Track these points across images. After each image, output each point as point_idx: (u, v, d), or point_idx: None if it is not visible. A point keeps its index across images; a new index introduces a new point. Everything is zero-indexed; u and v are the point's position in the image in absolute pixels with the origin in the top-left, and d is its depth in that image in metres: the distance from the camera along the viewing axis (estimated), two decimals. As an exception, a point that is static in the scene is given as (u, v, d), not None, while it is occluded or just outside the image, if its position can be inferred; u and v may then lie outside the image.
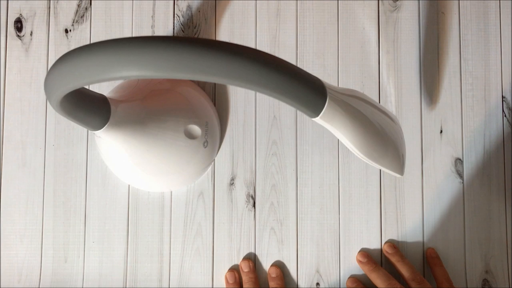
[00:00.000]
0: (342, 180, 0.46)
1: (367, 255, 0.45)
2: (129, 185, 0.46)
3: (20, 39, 0.47)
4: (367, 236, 0.45)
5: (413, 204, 0.46)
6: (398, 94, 0.47)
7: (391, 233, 0.45)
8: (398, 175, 0.35)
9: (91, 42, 0.43)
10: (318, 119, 0.27)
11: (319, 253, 0.45)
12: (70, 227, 0.45)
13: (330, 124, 0.28)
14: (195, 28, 0.47)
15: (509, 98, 0.47)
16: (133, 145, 0.39)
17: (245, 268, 0.44)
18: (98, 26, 0.47)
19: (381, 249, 0.45)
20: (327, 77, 0.47)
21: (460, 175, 0.46)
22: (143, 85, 0.43)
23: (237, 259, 0.45)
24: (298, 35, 0.47)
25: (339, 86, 0.47)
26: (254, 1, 0.47)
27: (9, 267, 0.45)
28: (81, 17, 0.47)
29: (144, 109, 0.39)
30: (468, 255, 0.46)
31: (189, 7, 0.47)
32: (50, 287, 0.45)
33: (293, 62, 0.46)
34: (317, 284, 0.45)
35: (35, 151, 0.46)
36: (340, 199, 0.46)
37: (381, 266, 0.44)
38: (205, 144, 0.43)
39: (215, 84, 0.47)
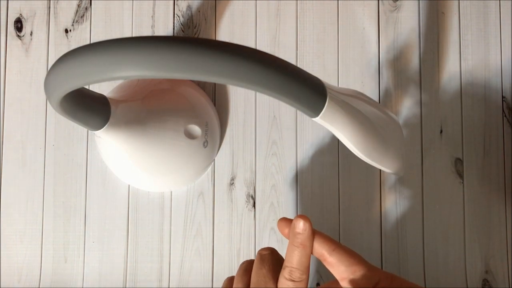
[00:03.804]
0: (342, 180, 0.46)
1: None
2: (129, 185, 0.46)
3: (20, 39, 0.47)
4: (367, 236, 0.45)
5: (413, 204, 0.46)
6: (398, 94, 0.47)
7: (391, 233, 0.45)
8: (398, 175, 0.35)
9: (91, 42, 0.43)
10: (318, 119, 0.27)
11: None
12: (70, 227, 0.45)
13: (330, 124, 0.28)
14: (195, 28, 0.47)
15: (509, 98, 0.47)
16: (133, 145, 0.39)
17: (299, 229, 0.31)
18: (98, 26, 0.47)
19: (381, 248, 0.45)
20: (327, 77, 0.47)
21: (460, 175, 0.46)
22: (143, 85, 0.43)
23: (237, 259, 0.45)
24: (298, 35, 0.47)
25: (339, 86, 0.47)
26: (254, 1, 0.47)
27: (9, 267, 0.45)
28: (81, 17, 0.47)
29: (144, 109, 0.39)
30: (468, 255, 0.46)
31: (189, 7, 0.47)
32: (50, 287, 0.45)
33: (293, 62, 0.46)
34: (317, 284, 0.45)
35: (35, 151, 0.46)
36: (340, 199, 0.46)
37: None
38: (205, 144, 0.43)
39: (215, 84, 0.47)
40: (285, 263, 0.31)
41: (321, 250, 0.31)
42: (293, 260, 0.30)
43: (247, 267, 0.33)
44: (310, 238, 0.31)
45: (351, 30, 0.47)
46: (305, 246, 0.30)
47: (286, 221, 0.32)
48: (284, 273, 0.30)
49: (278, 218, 0.45)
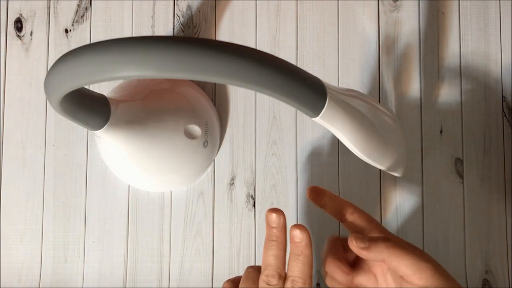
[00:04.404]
0: (342, 180, 0.46)
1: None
2: (129, 185, 0.46)
3: (20, 39, 0.47)
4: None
5: (413, 204, 0.46)
6: (398, 94, 0.47)
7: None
8: (398, 175, 0.35)
9: (91, 42, 0.43)
10: (318, 119, 0.27)
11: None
12: (70, 227, 0.45)
13: (330, 124, 0.28)
14: (195, 28, 0.47)
15: (509, 98, 0.47)
16: (133, 145, 0.39)
17: (272, 222, 0.31)
18: (98, 26, 0.47)
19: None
20: (327, 77, 0.47)
21: (460, 175, 0.46)
22: (143, 85, 0.43)
23: (237, 259, 0.45)
24: (298, 35, 0.47)
25: (339, 86, 0.47)
26: (254, 1, 0.47)
27: (9, 267, 0.45)
28: (81, 17, 0.47)
29: (144, 109, 0.39)
30: (468, 255, 0.46)
31: (189, 7, 0.47)
32: (50, 287, 0.45)
33: (293, 62, 0.46)
34: (318, 284, 0.45)
35: (35, 151, 0.46)
36: (340, 199, 0.46)
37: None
38: (205, 144, 0.43)
39: (215, 84, 0.47)
40: (288, 273, 0.31)
41: (343, 210, 0.33)
42: (295, 269, 0.31)
43: (255, 276, 0.33)
44: (308, 246, 0.31)
45: (351, 30, 0.47)
46: (305, 254, 0.31)
47: (319, 191, 0.34)
48: (287, 284, 0.30)
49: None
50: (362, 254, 0.31)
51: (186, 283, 0.45)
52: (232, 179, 0.46)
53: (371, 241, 0.31)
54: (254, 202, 0.46)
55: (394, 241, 0.31)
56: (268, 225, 0.31)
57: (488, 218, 0.46)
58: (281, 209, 0.31)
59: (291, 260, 0.31)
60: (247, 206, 0.46)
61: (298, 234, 0.31)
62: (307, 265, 0.31)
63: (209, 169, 0.46)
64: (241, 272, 0.45)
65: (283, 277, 0.31)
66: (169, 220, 0.45)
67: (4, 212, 0.46)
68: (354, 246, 0.31)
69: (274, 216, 0.31)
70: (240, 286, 0.33)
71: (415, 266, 0.29)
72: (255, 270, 0.33)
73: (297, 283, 0.30)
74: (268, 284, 0.30)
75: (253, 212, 0.46)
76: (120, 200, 0.46)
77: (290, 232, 0.31)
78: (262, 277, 0.31)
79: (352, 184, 0.46)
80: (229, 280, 0.35)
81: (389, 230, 0.33)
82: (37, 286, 0.45)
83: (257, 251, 0.45)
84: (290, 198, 0.46)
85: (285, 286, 0.30)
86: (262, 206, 0.46)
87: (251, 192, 0.46)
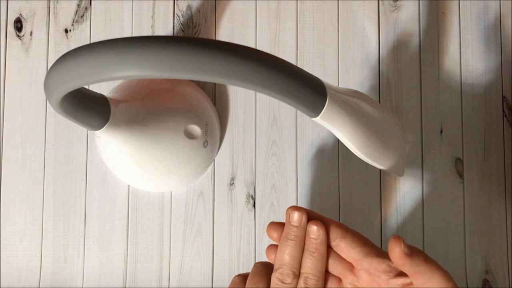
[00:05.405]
0: (342, 180, 0.46)
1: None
2: (129, 185, 0.46)
3: (20, 39, 0.47)
4: (367, 236, 0.45)
5: (413, 204, 0.46)
6: (398, 94, 0.47)
7: (391, 233, 0.45)
8: (398, 175, 0.35)
9: (91, 42, 0.43)
10: (318, 119, 0.27)
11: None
12: (70, 227, 0.45)
13: (330, 124, 0.28)
14: (195, 28, 0.47)
15: (509, 98, 0.47)
16: (133, 145, 0.39)
17: (293, 221, 0.31)
18: (98, 26, 0.47)
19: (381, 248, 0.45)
20: (327, 77, 0.47)
21: (460, 175, 0.46)
22: (143, 85, 0.43)
23: (237, 259, 0.45)
24: (298, 35, 0.47)
25: (339, 86, 0.47)
26: (254, 1, 0.47)
27: (9, 267, 0.45)
28: (81, 17, 0.47)
29: (144, 109, 0.39)
30: (468, 255, 0.46)
31: (189, 7, 0.47)
32: (50, 287, 0.45)
33: (293, 62, 0.46)
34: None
35: (35, 151, 0.46)
36: (340, 199, 0.46)
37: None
38: (205, 144, 0.43)
39: (215, 84, 0.47)
40: (301, 270, 0.30)
41: (334, 235, 0.30)
42: (309, 266, 0.30)
43: (263, 271, 0.32)
44: (324, 243, 0.30)
45: (351, 30, 0.47)
46: (320, 251, 0.30)
47: (277, 225, 0.32)
48: (300, 282, 0.30)
49: (278, 219, 0.45)
50: (400, 260, 0.28)
51: (186, 283, 0.45)
52: (232, 179, 0.46)
53: (412, 248, 0.28)
54: (254, 202, 0.46)
55: (427, 256, 0.28)
56: (288, 223, 0.30)
57: (488, 218, 0.46)
58: (304, 208, 0.30)
59: (305, 257, 0.30)
60: (247, 206, 0.46)
61: (314, 231, 0.30)
62: (321, 262, 0.30)
63: (209, 169, 0.46)
64: (240, 272, 0.45)
65: (298, 277, 0.30)
66: (169, 220, 0.45)
67: (4, 212, 0.46)
68: (400, 249, 0.27)
69: (296, 214, 0.30)
70: (248, 281, 0.32)
71: (442, 285, 0.27)
72: (263, 266, 0.32)
73: (310, 280, 0.30)
74: (283, 283, 0.30)
75: (253, 212, 0.46)
76: (120, 200, 0.46)
77: (307, 229, 0.30)
78: (276, 275, 0.30)
79: (352, 184, 0.46)
80: (240, 275, 0.34)
81: (389, 232, 0.33)
82: (37, 286, 0.45)
83: (257, 251, 0.45)
84: (290, 198, 0.46)
85: (298, 284, 0.30)
86: (262, 206, 0.46)
87: (251, 192, 0.46)
